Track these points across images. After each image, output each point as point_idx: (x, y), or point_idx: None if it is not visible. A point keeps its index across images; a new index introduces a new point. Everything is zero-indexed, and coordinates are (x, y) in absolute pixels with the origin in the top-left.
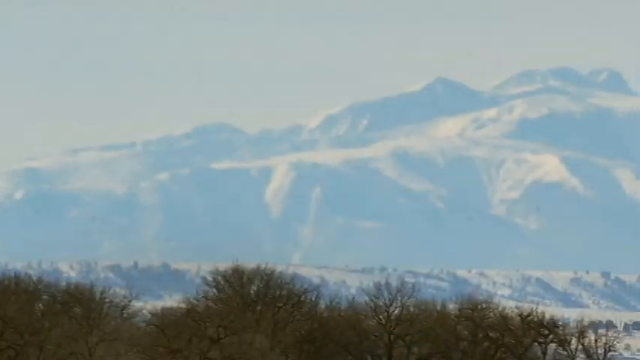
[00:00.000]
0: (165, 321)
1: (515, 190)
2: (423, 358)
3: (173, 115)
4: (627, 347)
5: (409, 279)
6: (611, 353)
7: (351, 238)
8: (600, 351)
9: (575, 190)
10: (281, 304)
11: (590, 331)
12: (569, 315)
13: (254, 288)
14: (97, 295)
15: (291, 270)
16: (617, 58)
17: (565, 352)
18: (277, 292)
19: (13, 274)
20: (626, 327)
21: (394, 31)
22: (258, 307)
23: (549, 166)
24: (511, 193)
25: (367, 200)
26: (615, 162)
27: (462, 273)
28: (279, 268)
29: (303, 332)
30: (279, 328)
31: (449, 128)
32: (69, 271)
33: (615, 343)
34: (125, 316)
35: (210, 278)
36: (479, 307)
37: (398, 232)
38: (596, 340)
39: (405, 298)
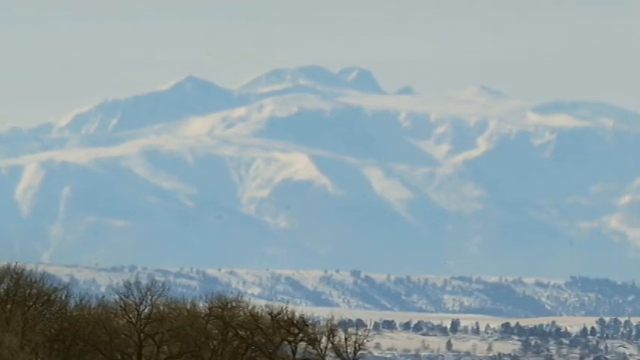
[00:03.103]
0: None
1: (265, 189)
2: (173, 356)
3: None
4: (377, 346)
5: (159, 277)
6: (361, 352)
7: (101, 236)
8: (350, 350)
9: (325, 188)
10: (31, 303)
11: (340, 330)
12: (319, 314)
13: (4, 287)
14: None
15: (40, 269)
16: (367, 57)
17: (315, 351)
18: (27, 291)
19: None
20: (376, 326)
21: (145, 29)
22: (8, 306)
23: (299, 164)
24: (261, 191)
25: (117, 199)
26: (365, 161)
27: (212, 272)
28: (28, 267)
29: (53, 331)
30: (29, 327)
31: (199, 127)
32: None
33: (365, 341)
34: None
35: None
36: (229, 305)
37: (148, 231)
38: (346, 339)
39: (155, 296)
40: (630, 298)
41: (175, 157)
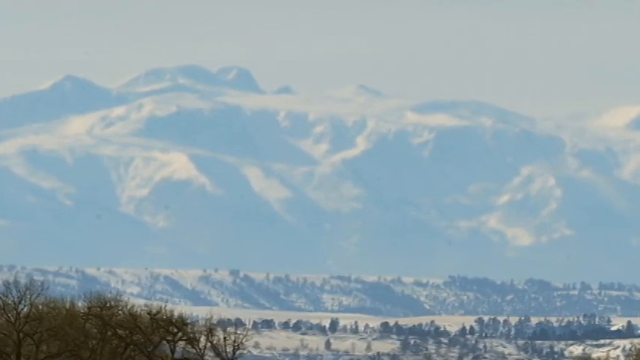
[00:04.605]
0: None
1: (144, 188)
2: (52, 355)
3: None
4: (256, 345)
5: (38, 277)
6: (240, 351)
7: None
8: (229, 349)
9: (204, 188)
10: None
11: (218, 329)
12: (198, 313)
13: None
14: None
15: None
16: (246, 57)
17: (194, 350)
18: None
19: None
20: (255, 325)
21: (22, 28)
22: None
23: (178, 164)
24: (140, 191)
25: None
26: (244, 160)
27: (91, 271)
28: None
29: None
30: None
31: (78, 126)
32: None
33: (244, 341)
34: None
35: None
36: (108, 305)
37: (27, 230)
38: (225, 338)
39: (34, 296)
40: (509, 298)
41: (54, 157)
